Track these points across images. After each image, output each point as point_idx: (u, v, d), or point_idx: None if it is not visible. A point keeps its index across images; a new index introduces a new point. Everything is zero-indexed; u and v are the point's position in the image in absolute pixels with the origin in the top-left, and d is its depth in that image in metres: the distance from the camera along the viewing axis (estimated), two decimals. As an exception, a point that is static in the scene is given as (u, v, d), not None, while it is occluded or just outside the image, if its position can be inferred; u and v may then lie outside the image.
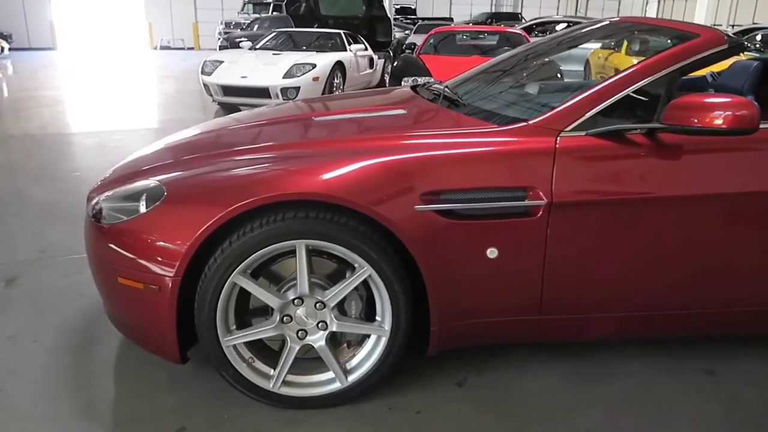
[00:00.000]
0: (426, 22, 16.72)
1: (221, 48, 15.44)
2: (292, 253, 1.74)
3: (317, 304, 1.79)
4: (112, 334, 2.24)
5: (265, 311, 1.84)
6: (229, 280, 1.70)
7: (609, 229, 1.79)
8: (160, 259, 1.69)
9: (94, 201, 1.93)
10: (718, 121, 1.63)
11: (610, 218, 1.78)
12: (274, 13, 18.23)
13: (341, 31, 8.88)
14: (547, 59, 3.07)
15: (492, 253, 1.76)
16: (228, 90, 7.30)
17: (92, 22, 23.83)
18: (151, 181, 1.83)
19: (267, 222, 1.67)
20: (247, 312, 1.86)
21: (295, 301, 1.78)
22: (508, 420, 1.85)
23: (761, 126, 1.82)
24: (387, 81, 10.31)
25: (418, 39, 10.15)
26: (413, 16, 23.69)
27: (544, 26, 13.49)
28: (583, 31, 2.58)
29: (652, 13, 32.19)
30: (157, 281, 1.70)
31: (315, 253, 1.80)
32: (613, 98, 1.82)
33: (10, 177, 4.53)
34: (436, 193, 1.71)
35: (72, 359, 2.12)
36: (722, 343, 2.27)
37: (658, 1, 30.49)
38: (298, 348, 1.82)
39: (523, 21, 16.91)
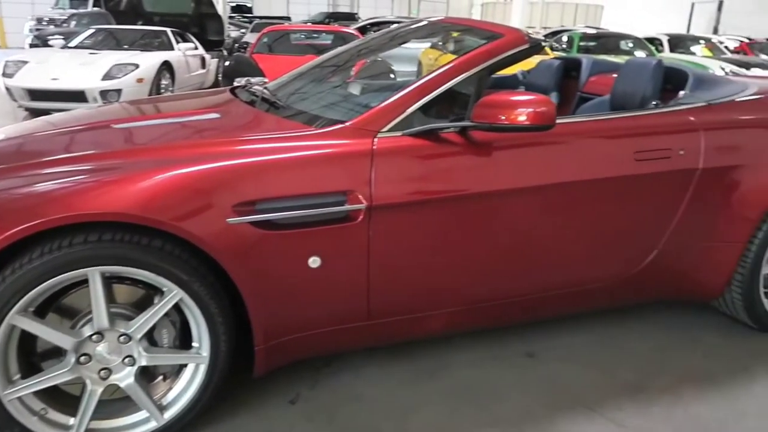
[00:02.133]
0: (263, 20, 16.33)
1: (32, 46, 13.75)
2: (86, 281, 1.52)
3: (121, 338, 1.58)
4: None
5: (59, 352, 1.59)
6: (5, 322, 1.43)
7: (431, 228, 1.79)
8: None
9: None
10: (522, 118, 1.70)
11: (431, 217, 1.78)
12: (94, 8, 16.68)
13: (168, 29, 8.31)
14: (374, 58, 3.07)
15: (314, 262, 1.67)
16: (36, 94, 6.47)
17: None
18: None
19: (50, 250, 1.43)
20: (35, 355, 1.59)
21: (94, 336, 1.55)
22: (345, 430, 1.78)
23: (560, 121, 1.95)
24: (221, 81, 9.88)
25: (254, 38, 9.85)
26: (250, 15, 23.09)
27: (378, 26, 13.82)
28: (403, 30, 2.60)
29: (476, 15, 34.59)
30: None
31: (115, 279, 1.58)
32: (427, 97, 1.83)
33: None
34: (250, 204, 1.58)
35: None
36: (541, 325, 2.42)
37: (482, 5, 32.87)
38: (101, 390, 1.59)
39: (360, 21, 17.21)
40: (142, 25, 9.05)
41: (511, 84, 3.15)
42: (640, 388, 2.04)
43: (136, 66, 6.70)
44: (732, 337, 2.40)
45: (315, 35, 8.13)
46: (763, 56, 12.09)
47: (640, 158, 2.01)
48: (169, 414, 1.65)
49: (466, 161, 1.80)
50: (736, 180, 2.16)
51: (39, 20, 17.26)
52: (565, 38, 10.84)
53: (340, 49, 2.72)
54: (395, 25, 2.73)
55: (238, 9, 24.52)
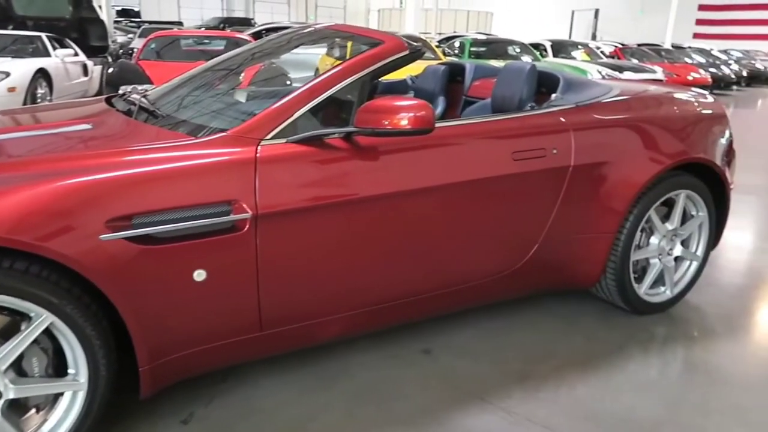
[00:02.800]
0: (152, 25, 15.63)
1: None
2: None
3: (-17, 370, 1.45)
4: None
5: None
6: None
7: (320, 234, 1.80)
8: None
9: None
10: (403, 122, 1.74)
11: (320, 223, 1.79)
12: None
13: (43, 34, 7.74)
14: (267, 64, 3.03)
15: (199, 275, 1.63)
16: None
17: None
18: None
19: None
20: None
21: (-51, 373, 1.42)
22: (240, 447, 1.75)
23: (442, 125, 2.02)
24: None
25: (141, 44, 9.41)
26: (138, 20, 22.01)
27: (274, 31, 13.65)
28: (289, 36, 2.59)
29: (373, 21, 35.09)
30: None
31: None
32: (311, 104, 1.83)
33: None
34: (126, 219, 1.51)
35: None
36: (436, 322, 2.49)
37: (378, 11, 33.38)
38: (-36, 429, 1.46)
39: (255, 26, 16.92)
40: (13, 29, 8.36)
41: (401, 89, 3.23)
42: (527, 376, 2.15)
43: (7, 74, 6.20)
44: (608, 320, 2.60)
45: (206, 41, 7.90)
46: (634, 60, 13.18)
47: (517, 158, 2.13)
48: (44, 448, 1.54)
49: (352, 166, 1.82)
50: (604, 175, 2.33)
51: None
52: (457, 44, 11.24)
53: (226, 55, 2.66)
54: (283, 31, 2.71)
55: (125, 13, 23.33)
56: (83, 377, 1.54)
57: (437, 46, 11.62)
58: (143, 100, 2.17)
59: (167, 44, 7.65)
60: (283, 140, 1.77)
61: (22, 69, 6.47)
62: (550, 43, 12.82)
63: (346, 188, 1.81)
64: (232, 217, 1.64)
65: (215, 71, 2.50)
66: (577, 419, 1.92)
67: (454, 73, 3.18)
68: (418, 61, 2.16)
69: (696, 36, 33.72)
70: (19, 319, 1.50)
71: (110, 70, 6.01)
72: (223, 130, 1.76)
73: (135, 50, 8.34)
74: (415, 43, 2.09)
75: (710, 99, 2.85)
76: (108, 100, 2.32)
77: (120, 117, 2.05)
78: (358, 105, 1.89)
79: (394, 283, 2.02)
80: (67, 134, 1.88)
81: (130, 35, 15.16)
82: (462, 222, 2.07)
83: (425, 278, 2.08)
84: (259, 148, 1.71)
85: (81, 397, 1.55)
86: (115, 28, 16.45)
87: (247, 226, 1.66)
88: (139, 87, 2.64)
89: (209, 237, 1.62)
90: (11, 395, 1.49)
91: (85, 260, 1.45)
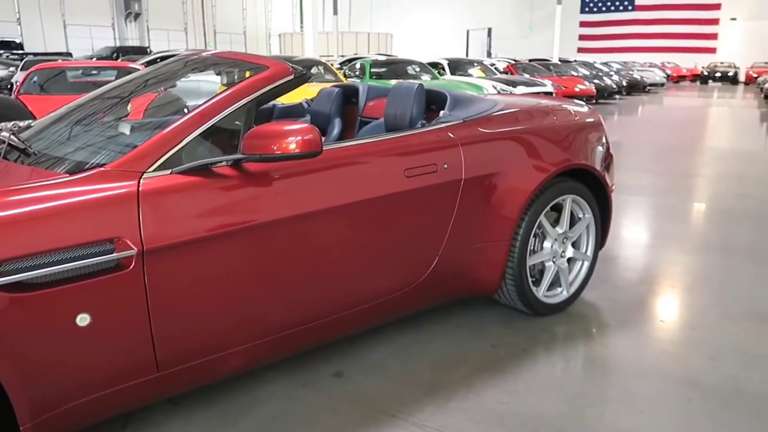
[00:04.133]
0: (37, 57, 14.73)
1: None
2: None
3: None
4: None
5: None
6: None
7: (215, 264, 1.75)
8: None
9: None
10: (292, 146, 1.74)
11: (214, 254, 1.74)
12: None
13: None
14: (155, 93, 2.92)
15: (83, 320, 1.53)
16: None
17: None
18: None
19: None
20: None
21: None
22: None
23: (331, 147, 2.04)
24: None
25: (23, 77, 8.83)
26: (21, 52, 20.69)
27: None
28: (177, 65, 2.52)
29: (275, 46, 35.01)
30: None
31: None
32: (194, 133, 1.79)
33: None
34: (-7, 267, 1.40)
35: None
36: (345, 342, 2.48)
37: (279, 36, 33.35)
38: None
39: (151, 53, 16.38)
40: None
41: (297, 113, 3.23)
42: (437, 387, 2.19)
43: None
44: (512, 324, 2.70)
45: (95, 72, 7.55)
46: (526, 75, 13.94)
47: (410, 174, 2.18)
48: None
49: (242, 194, 1.79)
50: (494, 185, 2.44)
51: None
52: (358, 65, 11.42)
53: (110, 85, 2.55)
54: (169, 60, 2.64)
55: (5, 45, 21.87)
56: (-47, 444, 1.40)
57: (339, 69, 11.76)
58: (13, 138, 2.03)
59: (52, 77, 7.24)
60: (168, 171, 1.71)
61: None
62: (447, 62, 13.32)
63: (238, 216, 1.78)
64: (116, 255, 1.56)
65: (99, 102, 2.39)
66: (486, 424, 1.97)
67: (349, 94, 3.22)
68: (316, 84, 2.17)
69: (580, 50, 36.35)
70: None
71: (-13, 106, 5.58)
72: (101, 165, 1.68)
73: (16, 84, 7.82)
74: (300, 68, 2.10)
75: (587, 109, 3.06)
76: (-25, 140, 2.15)
77: (-14, 157, 1.91)
78: (245, 131, 1.87)
79: (297, 307, 1.99)
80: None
81: (11, 68, 14.22)
82: (361, 241, 2.09)
83: (328, 300, 2.07)
84: (141, 181, 1.65)
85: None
86: (-5, 61, 15.38)
87: (133, 264, 1.58)
88: (21, 123, 2.47)
89: (91, 278, 1.53)
90: None
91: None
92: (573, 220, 2.81)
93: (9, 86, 8.11)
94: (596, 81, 16.88)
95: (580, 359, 2.41)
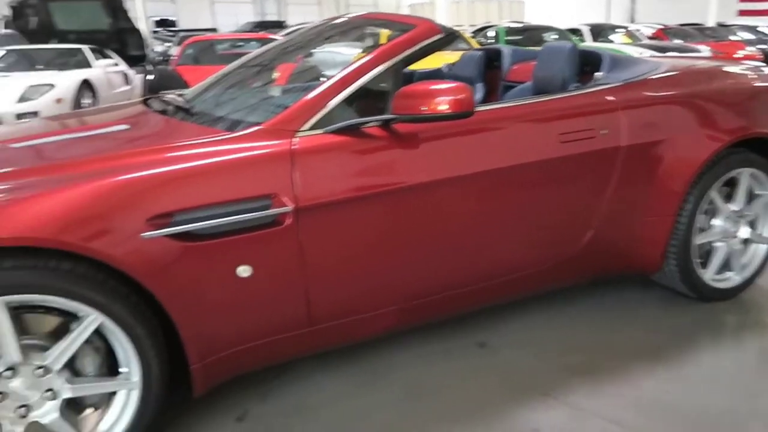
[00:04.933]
0: (189, 33, 15.94)
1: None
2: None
3: (38, 371, 1.45)
4: None
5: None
6: None
7: (364, 225, 1.75)
8: None
9: None
10: (443, 107, 1.68)
11: (364, 214, 1.74)
12: (6, 30, 15.85)
13: (85, 46, 7.96)
14: (301, 63, 3.00)
15: (244, 271, 1.60)
16: (-56, 122, 6.06)
17: None
18: None
19: (-57, 283, 1.30)
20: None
21: (5, 372, 1.42)
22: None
23: (483, 108, 1.95)
24: (149, 97, 9.54)
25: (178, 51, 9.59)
26: (175, 29, 22.49)
27: (308, 32, 13.67)
28: (322, 28, 2.55)
29: (405, 16, 34.81)
30: None
31: (25, 308, 1.46)
32: (344, 93, 1.77)
33: None
34: (166, 216, 1.49)
35: None
36: (490, 313, 2.41)
37: (409, 6, 33.20)
38: (22, 430, 1.46)
39: (288, 27, 17.06)
40: (56, 43, 8.62)
41: (437, 78, 3.16)
42: (590, 369, 2.05)
43: (52, 86, 6.39)
44: (672, 308, 2.46)
45: (241, 44, 7.97)
46: (677, 41, 12.71)
47: (565, 140, 2.03)
48: (103, 446, 1.54)
49: (391, 155, 1.77)
50: (658, 155, 2.21)
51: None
52: (491, 33, 11.05)
53: (258, 51, 2.64)
54: (314, 23, 2.68)
55: (162, 23, 23.88)
56: (136, 376, 1.53)
57: (471, 37, 11.46)
58: (178, 99, 2.17)
59: (203, 49, 7.76)
60: (320, 131, 1.72)
61: (66, 81, 6.66)
62: (588, 28, 12.48)
63: (388, 177, 1.76)
64: (273, 211, 1.60)
65: (248, 68, 2.49)
66: (648, 413, 1.81)
67: (492, 58, 3.09)
68: (450, 53, 2.09)
69: (742, 13, 32.36)
70: (69, 319, 1.51)
71: (150, 77, 6.12)
72: (257, 124, 1.73)
73: (173, 57, 8.49)
74: (448, 27, 2.02)
75: (767, 71, 2.68)
76: (145, 102, 2.33)
77: (157, 116, 2.05)
78: (393, 91, 1.83)
79: (442, 274, 1.95)
80: (106, 135, 1.89)
81: (168, 44, 15.50)
82: (509, 209, 1.99)
83: (474, 268, 2.01)
84: (294, 139, 1.68)
85: (135, 395, 1.55)
86: (154, 37, 16.84)
87: (289, 220, 1.62)
88: (180, 91, 2.65)
89: (251, 232, 1.59)
90: (67, 395, 1.49)
91: (128, 259, 1.44)
92: (750, 197, 2.50)
93: (167, 58, 8.83)
94: (762, 46, 14.99)
95: (753, 352, 2.15)
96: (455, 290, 2.01)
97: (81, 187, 1.44)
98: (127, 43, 9.36)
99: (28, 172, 1.52)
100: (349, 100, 1.79)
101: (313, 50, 2.54)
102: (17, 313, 1.42)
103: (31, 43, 9.09)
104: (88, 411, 1.60)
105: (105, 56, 8.24)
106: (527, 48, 3.18)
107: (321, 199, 1.65)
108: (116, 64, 8.29)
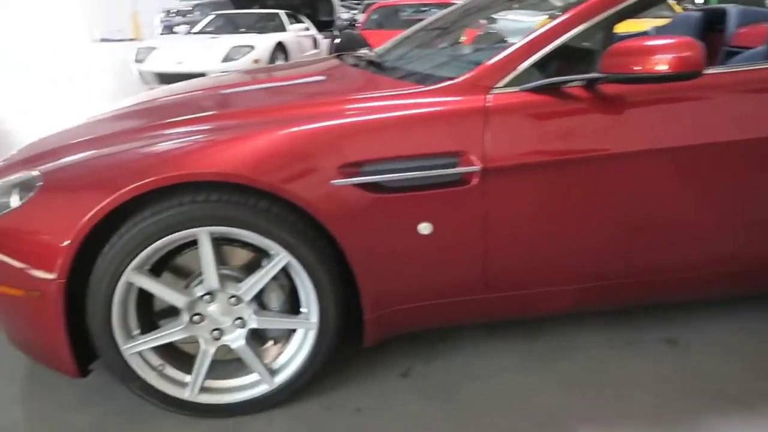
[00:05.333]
0: (373, 1, 16.39)
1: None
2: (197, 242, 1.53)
3: (231, 299, 1.58)
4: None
5: (175, 311, 1.62)
6: (122, 279, 1.46)
7: (554, 193, 1.62)
8: (38, 260, 1.45)
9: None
10: (662, 66, 1.47)
11: (555, 181, 1.61)
12: (216, -4, 17.65)
13: (281, 11, 8.54)
14: (484, 29, 2.89)
15: (425, 228, 1.57)
16: (164, 77, 6.92)
17: (19, 12, 22.51)
18: (31, 171, 1.58)
19: (160, 210, 1.44)
20: (154, 313, 1.64)
21: (205, 297, 1.56)
22: (459, 410, 1.68)
23: (707, 72, 1.69)
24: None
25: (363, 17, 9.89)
26: (360, -3, 23.26)
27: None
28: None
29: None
30: (38, 286, 1.46)
31: (225, 241, 1.58)
32: (547, 48, 1.64)
33: None
34: (356, 165, 1.51)
35: (-36, 381, 1.86)
36: (684, 308, 2.15)
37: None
38: (213, 350, 1.61)
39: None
40: (257, 9, 9.36)
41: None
42: (802, 383, 1.75)
43: (252, 48, 6.95)
44: None
45: (424, 9, 7.98)
46: None
47: (810, 114, 1.69)
48: (279, 378, 1.64)
49: (594, 119, 1.61)
50: None
51: (167, 12, 18.59)
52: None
53: (445, 11, 2.57)
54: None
55: (348, -8, 24.81)
56: (314, 317, 1.59)
57: (674, 2, 10.27)
58: (370, 53, 2.18)
59: (388, 14, 7.91)
60: (516, 89, 1.61)
61: (264, 43, 7.21)
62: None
63: (587, 143, 1.60)
64: (460, 169, 1.54)
65: (433, 29, 2.43)
66: None
67: (712, 20, 2.69)
68: (646, 19, 1.83)
69: None
70: (261, 256, 1.60)
71: (337, 40, 6.38)
72: (450, 78, 1.67)
73: (358, 23, 8.78)
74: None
75: None
76: (338, 57, 2.39)
77: (351, 69, 2.09)
78: (600, 50, 1.65)
79: (635, 256, 1.76)
80: (306, 84, 1.96)
81: (353, 11, 16.10)
82: (726, 191, 1.72)
83: (673, 254, 1.78)
84: (489, 96, 1.59)
85: (312, 336, 1.62)
86: (341, 5, 17.61)
87: (475, 180, 1.55)
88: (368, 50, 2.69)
89: (436, 189, 1.55)
90: (253, 325, 1.60)
91: (318, 204, 1.48)
92: None
93: (353, 23, 9.18)
94: None
95: None
96: (649, 277, 1.80)
97: (281, 132, 1.51)
98: (318, 9, 9.87)
99: (236, 115, 1.63)
100: (549, 58, 1.65)
101: (505, 25, 2.41)
102: (218, 244, 1.54)
103: (236, 8, 9.96)
104: (269, 344, 1.72)
105: (298, 21, 8.76)
106: (761, 8, 2.73)
107: (511, 161, 1.56)
108: (307, 29, 8.78)
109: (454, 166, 1.54)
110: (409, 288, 1.64)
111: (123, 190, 1.41)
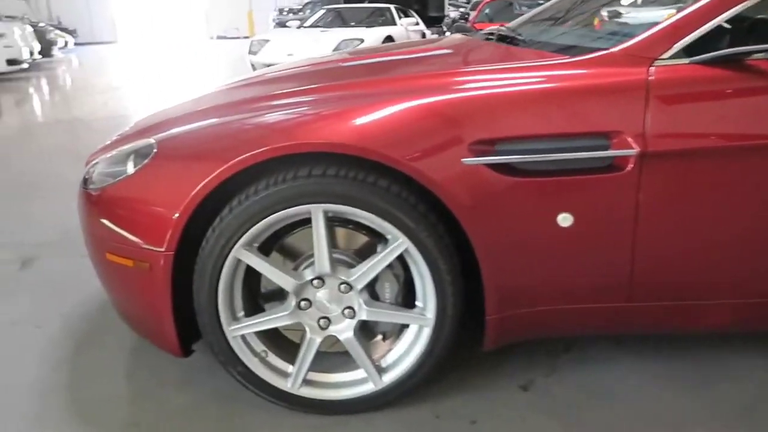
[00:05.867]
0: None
1: (274, 33, 15.40)
2: (310, 222, 1.40)
3: (342, 286, 1.44)
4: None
5: (282, 294, 1.51)
6: (230, 255, 1.36)
7: (727, 186, 1.35)
8: (149, 230, 1.38)
9: (90, 165, 1.65)
10: None
11: (729, 172, 1.33)
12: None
13: (391, 6, 8.48)
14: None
15: (565, 219, 1.35)
16: (275, 69, 7.06)
17: (150, 14, 24.37)
18: (148, 139, 1.52)
19: (275, 182, 1.33)
20: (260, 295, 1.54)
21: (314, 281, 1.43)
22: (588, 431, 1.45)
23: None
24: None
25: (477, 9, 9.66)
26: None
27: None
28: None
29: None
30: (146, 257, 1.39)
31: (338, 222, 1.45)
32: (725, 14, 1.36)
33: (48, 160, 4.41)
34: (489, 143, 1.31)
35: (75, 349, 1.86)
36: None
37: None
38: (320, 340, 1.47)
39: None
40: (368, 3, 9.38)
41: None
42: None
43: (361, 40, 6.93)
44: None
45: (538, 3, 7.62)
46: None
47: None
48: (388, 377, 1.48)
49: (787, 97, 1.31)
50: None
51: (280, 11, 19.28)
52: None
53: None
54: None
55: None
56: (430, 313, 1.42)
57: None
58: (502, 28, 1.98)
59: (499, 9, 7.64)
60: (685, 60, 1.35)
61: (373, 36, 7.17)
62: None
63: (771, 128, 1.32)
64: (612, 152, 1.31)
65: (572, 4, 2.18)
66: None
67: None
68: None
69: None
70: (375, 241, 1.46)
71: (447, 33, 6.21)
72: (604, 49, 1.43)
73: (467, 15, 8.57)
74: None
75: None
76: (464, 34, 2.20)
77: (479, 42, 1.90)
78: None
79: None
80: (431, 57, 1.79)
81: (461, 9, 15.89)
82: None
83: None
84: (651, 69, 1.34)
85: (426, 333, 1.45)
86: (449, 3, 17.45)
87: (630, 166, 1.31)
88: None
89: (582, 174, 1.32)
90: (363, 316, 1.45)
91: (446, 184, 1.30)
92: None
93: (464, 16, 8.99)
94: None
95: None
96: None
97: (410, 104, 1.35)
98: (428, 4, 9.75)
99: (361, 85, 1.49)
100: (726, 25, 1.38)
101: (635, 15, 2.11)
102: (331, 225, 1.41)
103: (347, 2, 10.05)
104: (378, 339, 1.57)
105: (407, 15, 8.67)
106: None
107: (677, 145, 1.30)
108: (417, 23, 8.67)
109: (605, 148, 1.31)
110: (541, 288, 1.43)
111: (237, 159, 1.31)
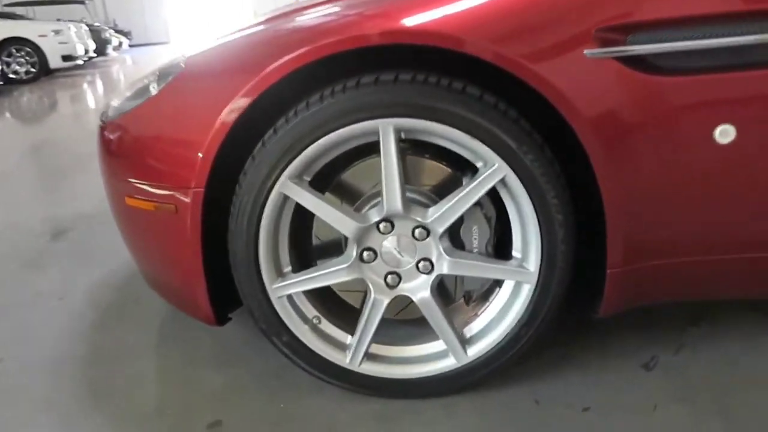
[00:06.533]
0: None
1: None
2: (373, 151, 1.09)
3: (416, 231, 1.11)
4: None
5: (337, 247, 1.20)
6: (275, 190, 1.06)
7: None
8: (173, 162, 1.10)
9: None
10: None
11: None
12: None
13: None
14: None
15: (724, 133, 0.98)
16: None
17: (201, 15, 24.79)
18: (176, 60, 1.24)
19: (332, 92, 1.01)
20: (310, 248, 1.23)
21: (381, 225, 1.11)
22: (725, 420, 1.08)
23: None
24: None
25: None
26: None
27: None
28: None
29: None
30: (171, 198, 1.11)
31: (410, 149, 1.12)
32: None
33: (95, 143, 4.27)
34: (620, 30, 0.96)
35: (99, 323, 1.61)
36: None
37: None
38: (387, 302, 1.15)
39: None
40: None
41: None
42: None
43: None
44: None
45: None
46: None
47: None
48: (473, 351, 1.14)
49: None
50: None
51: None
52: None
53: None
54: None
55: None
56: (532, 265, 1.08)
57: None
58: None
59: None
60: None
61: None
62: None
63: None
64: (793, 39, 0.94)
65: None
66: None
67: None
68: None
69: None
70: (460, 175, 1.13)
71: None
72: None
73: None
74: None
75: None
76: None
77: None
78: None
79: None
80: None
81: None
82: None
83: None
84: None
85: (525, 293, 1.10)
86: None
87: (821, 56, 0.94)
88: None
89: (750, 70, 0.96)
90: (444, 269, 1.11)
91: (562, 86, 0.96)
92: None
93: None
94: None
95: None
96: None
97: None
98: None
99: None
100: None
101: None
102: (402, 154, 1.09)
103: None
104: (460, 302, 1.23)
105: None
106: None
107: None
108: None
109: (782, 33, 0.94)
110: (686, 231, 1.06)
111: (273, 66, 1.00)
